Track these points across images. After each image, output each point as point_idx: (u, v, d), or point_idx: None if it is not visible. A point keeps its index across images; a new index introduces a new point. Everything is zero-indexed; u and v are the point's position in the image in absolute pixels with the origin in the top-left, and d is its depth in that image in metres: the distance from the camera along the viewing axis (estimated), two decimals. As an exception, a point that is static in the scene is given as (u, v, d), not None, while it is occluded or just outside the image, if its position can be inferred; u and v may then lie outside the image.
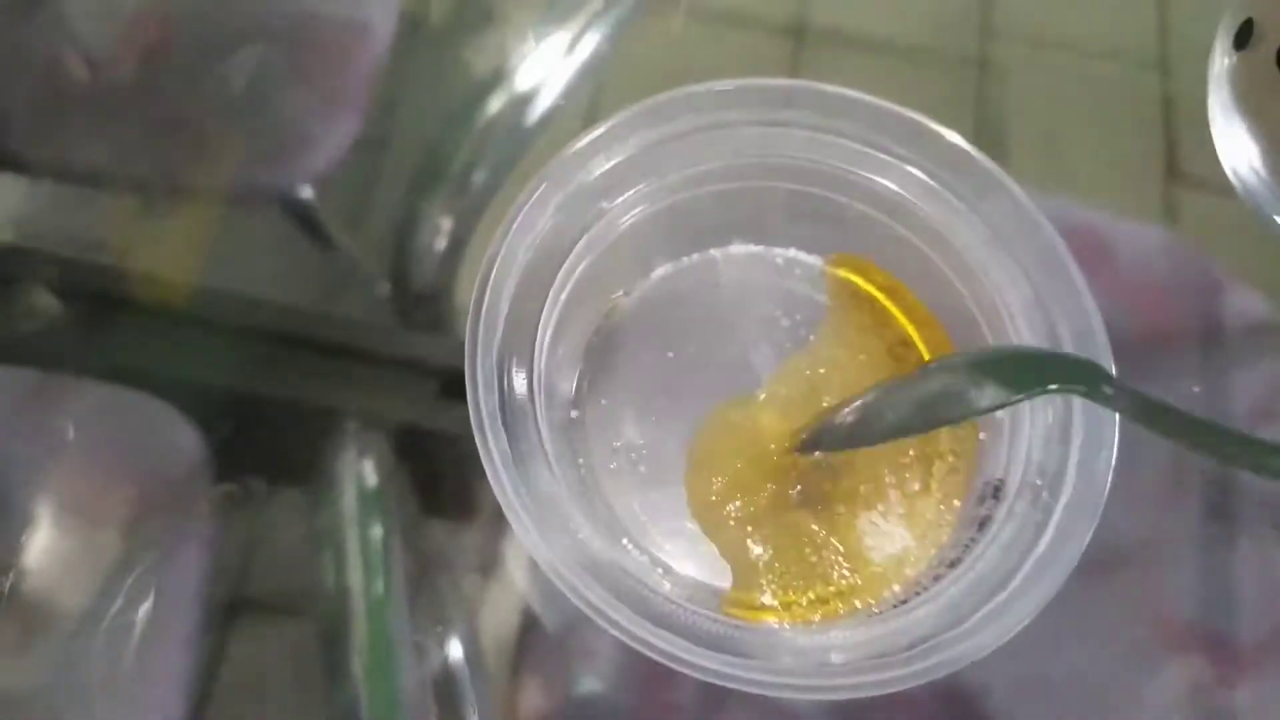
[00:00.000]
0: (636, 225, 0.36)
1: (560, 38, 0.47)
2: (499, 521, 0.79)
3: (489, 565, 0.78)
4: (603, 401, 0.37)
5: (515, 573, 0.73)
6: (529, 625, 0.47)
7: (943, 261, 0.37)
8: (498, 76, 0.46)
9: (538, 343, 0.33)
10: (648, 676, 0.41)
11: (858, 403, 0.34)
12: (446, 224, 0.46)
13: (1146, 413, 0.32)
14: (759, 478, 0.36)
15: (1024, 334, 0.35)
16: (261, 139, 0.52)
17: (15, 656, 0.44)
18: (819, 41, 1.08)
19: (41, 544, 0.45)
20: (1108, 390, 0.31)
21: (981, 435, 0.36)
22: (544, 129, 0.47)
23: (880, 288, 0.39)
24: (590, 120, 1.01)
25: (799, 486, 0.35)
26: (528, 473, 0.31)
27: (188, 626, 0.45)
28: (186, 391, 0.46)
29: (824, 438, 0.35)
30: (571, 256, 0.34)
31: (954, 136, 0.36)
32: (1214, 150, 1.03)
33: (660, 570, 0.35)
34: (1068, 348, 0.35)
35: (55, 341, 0.48)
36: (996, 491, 0.35)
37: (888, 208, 0.37)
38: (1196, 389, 0.50)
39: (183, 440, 0.46)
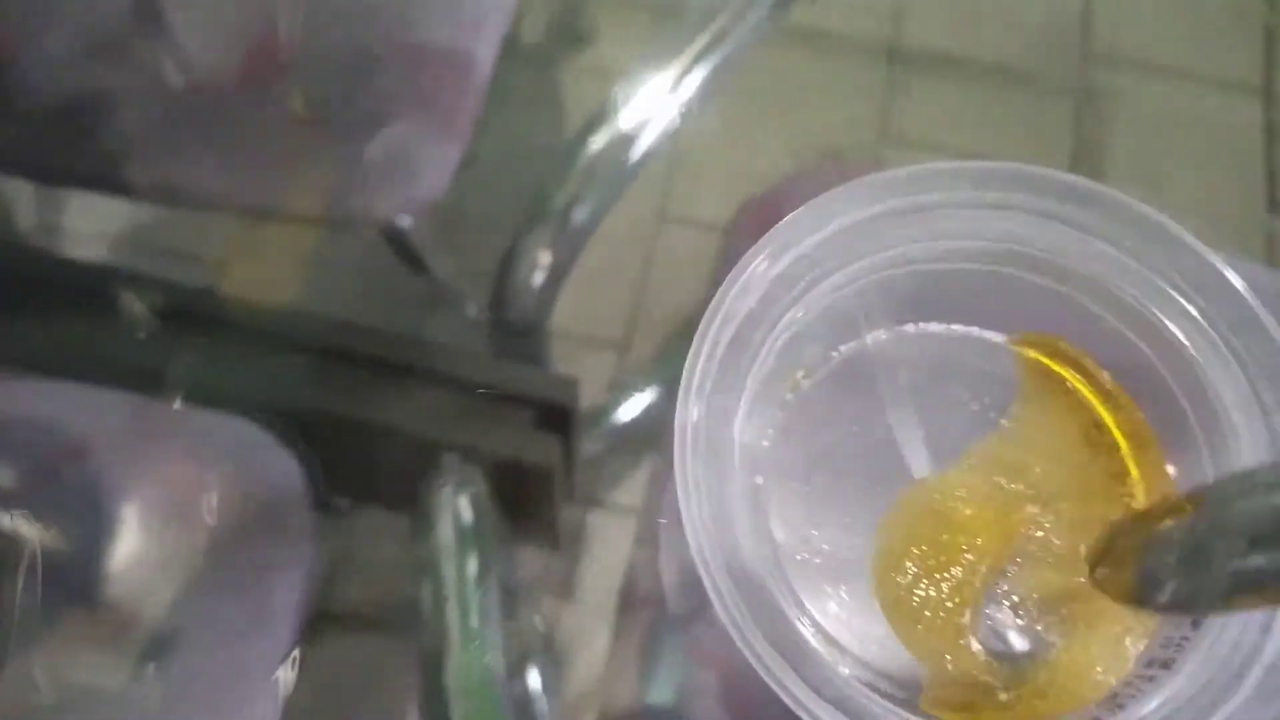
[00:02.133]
0: (834, 303, 0.36)
1: (665, 76, 0.47)
2: (577, 551, 0.79)
3: (569, 590, 0.79)
4: (790, 484, 0.37)
5: (596, 600, 0.73)
6: (612, 652, 0.47)
7: (1145, 344, 0.36)
8: (601, 114, 0.46)
9: (738, 415, 0.34)
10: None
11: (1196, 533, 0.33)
12: (546, 259, 0.47)
13: None
14: (950, 567, 0.35)
15: (1237, 423, 0.34)
16: (368, 168, 0.53)
17: (99, 653, 0.45)
18: (914, 63, 1.07)
19: (133, 546, 0.47)
20: None
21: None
22: (644, 166, 0.47)
23: (1071, 366, 0.38)
24: (677, 148, 1.00)
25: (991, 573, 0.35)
26: (725, 542, 0.31)
27: (280, 641, 0.46)
28: (287, 416, 0.47)
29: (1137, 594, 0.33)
30: (779, 328, 0.35)
31: (1160, 216, 0.35)
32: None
33: (854, 661, 0.34)
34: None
35: (156, 363, 0.49)
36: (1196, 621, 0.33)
37: (1085, 288, 0.37)
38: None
39: (283, 467, 0.47)
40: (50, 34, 0.57)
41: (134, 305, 0.50)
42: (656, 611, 0.41)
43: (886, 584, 0.34)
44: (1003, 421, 0.37)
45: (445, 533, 0.42)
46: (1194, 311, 0.34)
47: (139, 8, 0.58)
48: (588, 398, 0.74)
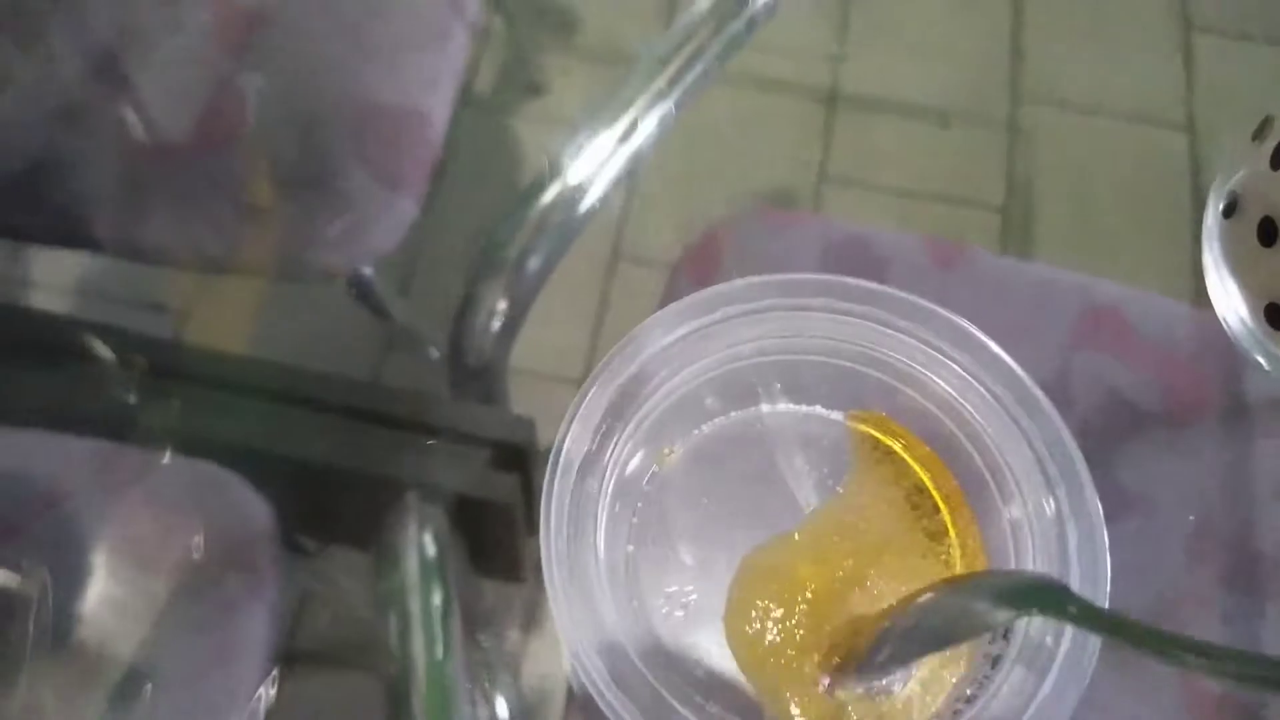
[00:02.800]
0: (684, 396, 0.41)
1: (614, 130, 0.50)
2: (540, 581, 0.81)
3: (532, 624, 0.81)
4: (654, 543, 0.41)
5: (558, 633, 0.75)
6: (572, 682, 0.49)
7: (950, 422, 0.42)
8: (553, 169, 0.49)
9: (602, 491, 0.38)
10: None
11: (886, 634, 0.38)
12: (502, 305, 0.49)
13: (1109, 627, 0.36)
14: (793, 620, 0.39)
15: (1024, 488, 0.40)
16: (325, 222, 0.56)
17: (66, 703, 0.46)
18: (852, 107, 1.11)
19: (103, 591, 0.48)
20: (1072, 610, 0.36)
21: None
22: (594, 216, 0.50)
23: (896, 439, 0.43)
24: (631, 189, 1.04)
25: (824, 620, 0.39)
26: (590, 608, 0.35)
27: (248, 682, 0.47)
28: (253, 460, 0.49)
29: (861, 672, 0.38)
30: (636, 417, 0.39)
31: (957, 318, 0.42)
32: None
33: (703, 704, 0.38)
34: (1064, 502, 0.39)
35: (123, 411, 0.51)
36: (1006, 632, 0.38)
37: (902, 378, 0.43)
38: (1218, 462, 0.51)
39: (251, 508, 0.48)
40: (7, 98, 0.59)
41: (100, 355, 0.52)
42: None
43: (737, 634, 0.39)
44: (839, 489, 0.42)
45: (409, 568, 0.44)
46: (988, 395, 0.41)
47: (102, 70, 0.60)
48: (549, 433, 0.76)
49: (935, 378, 0.42)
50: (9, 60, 0.60)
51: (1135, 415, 0.52)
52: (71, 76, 0.60)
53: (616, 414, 0.39)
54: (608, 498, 0.38)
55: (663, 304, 0.53)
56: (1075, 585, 0.37)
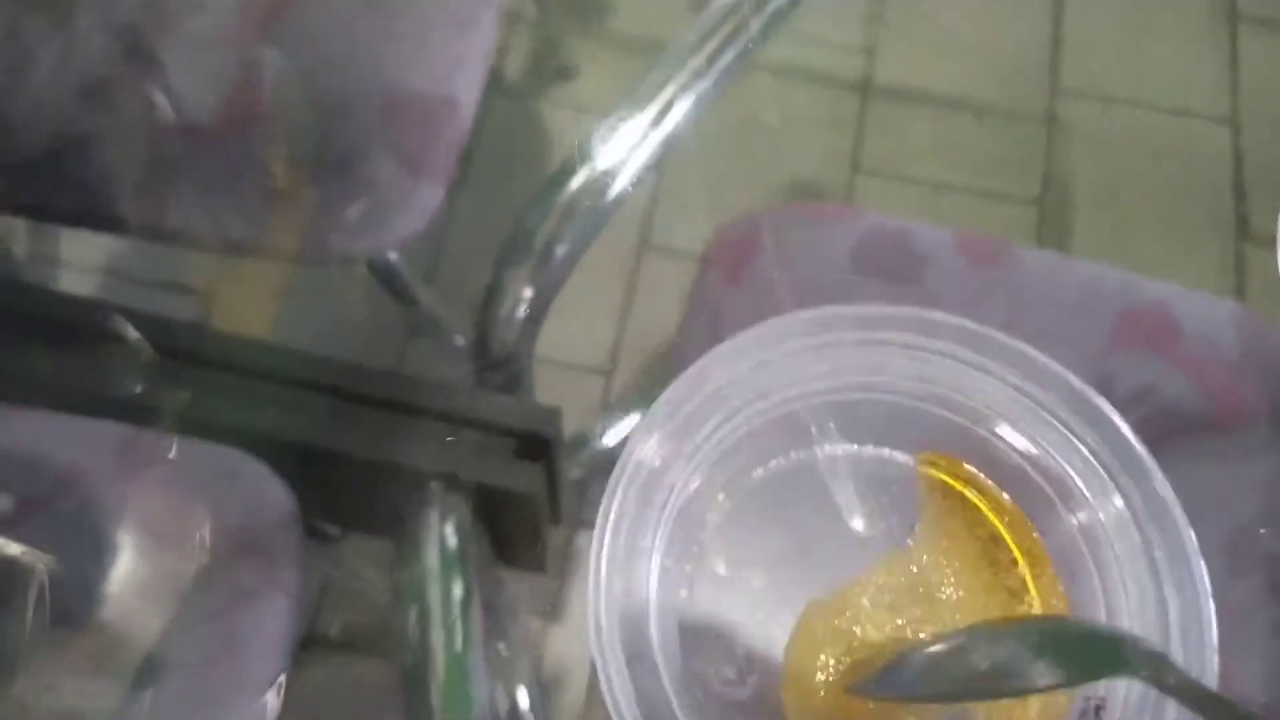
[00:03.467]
0: (744, 435, 0.39)
1: (644, 116, 0.48)
2: (565, 573, 0.80)
3: (553, 615, 0.80)
4: (710, 605, 0.38)
5: (580, 625, 0.74)
6: (595, 673, 0.48)
7: (1034, 472, 0.39)
8: (581, 154, 0.48)
9: (654, 546, 0.36)
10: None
11: (917, 659, 0.35)
12: (528, 293, 0.48)
13: (1202, 703, 0.32)
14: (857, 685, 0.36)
15: (1119, 550, 0.37)
16: (352, 206, 0.55)
17: (86, 678, 0.46)
18: (884, 98, 1.09)
19: (127, 569, 0.48)
20: (1170, 680, 0.32)
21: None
22: (622, 203, 0.49)
23: (970, 486, 0.40)
24: (659, 178, 1.02)
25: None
26: (641, 683, 0.33)
27: (268, 667, 0.47)
28: (275, 447, 0.49)
29: (877, 688, 0.35)
30: (693, 451, 0.37)
31: (1046, 359, 0.38)
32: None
33: None
34: (1164, 567, 0.36)
35: (143, 395, 0.50)
36: (1099, 711, 0.35)
37: (978, 419, 0.39)
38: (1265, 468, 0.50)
39: (273, 494, 0.48)
40: (35, 76, 0.59)
41: (121, 339, 0.52)
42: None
43: (796, 701, 0.36)
44: (908, 540, 0.39)
45: (430, 559, 0.43)
46: (1077, 442, 0.37)
47: (132, 49, 0.60)
48: (574, 423, 0.76)
49: (1018, 421, 0.38)
50: (36, 39, 0.59)
51: (1177, 419, 0.51)
52: (97, 56, 0.59)
53: (679, 443, 0.37)
54: (657, 560, 0.36)
55: (692, 296, 0.52)
56: (1178, 657, 0.34)
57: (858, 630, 0.37)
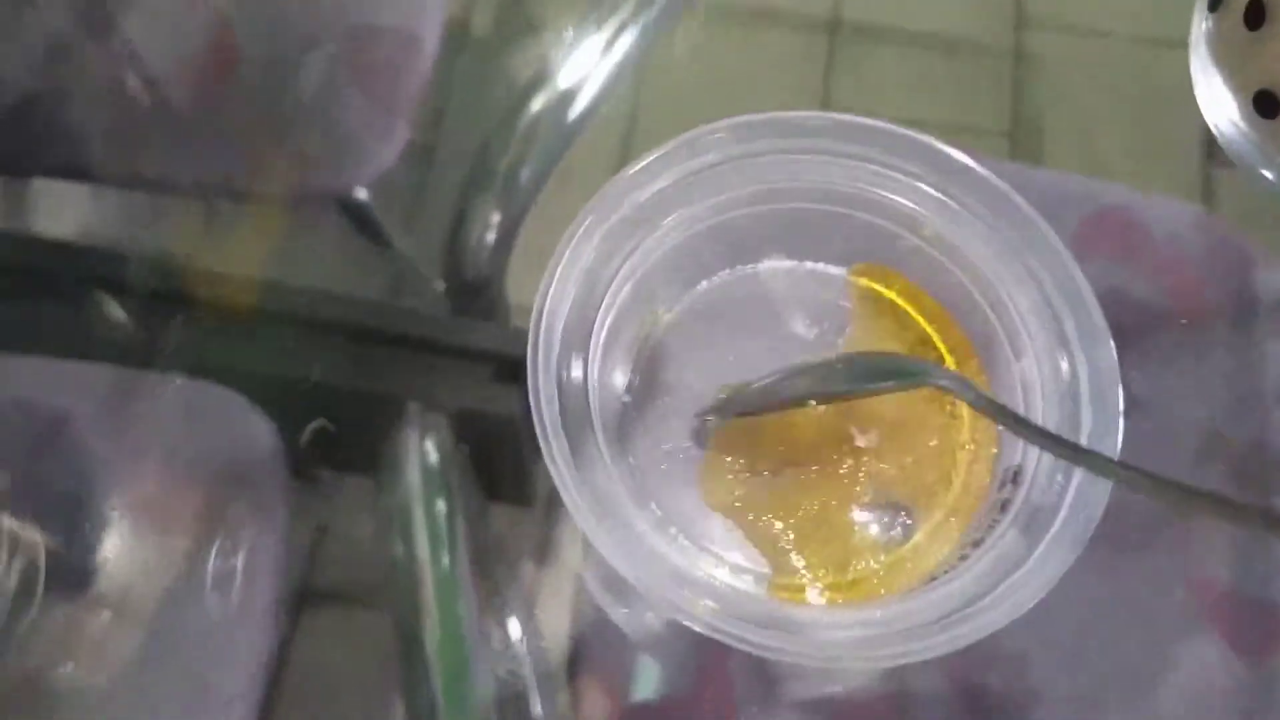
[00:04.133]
0: (677, 246, 0.39)
1: (597, 39, 0.49)
2: (553, 509, 0.81)
3: (544, 551, 0.81)
4: (650, 404, 0.40)
5: (570, 558, 0.75)
6: (585, 611, 0.49)
7: (955, 267, 0.40)
8: (540, 78, 0.48)
9: (591, 354, 0.37)
10: (701, 659, 0.43)
11: (764, 381, 0.38)
12: (496, 218, 0.49)
13: (997, 414, 0.35)
14: (771, 465, 0.38)
15: (1033, 330, 0.38)
16: (320, 146, 0.55)
17: (94, 651, 0.46)
18: (853, 37, 1.09)
19: (121, 537, 0.48)
20: (943, 382, 0.35)
21: (1000, 426, 0.38)
22: (585, 126, 0.49)
23: (900, 293, 0.41)
24: (631, 122, 1.03)
25: (815, 467, 0.38)
26: (587, 471, 0.34)
27: (262, 614, 0.47)
28: (257, 383, 0.49)
29: (728, 406, 0.38)
30: (619, 277, 0.38)
31: (960, 154, 0.39)
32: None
33: (709, 560, 0.37)
34: (1074, 341, 0.37)
35: (129, 339, 0.51)
36: (1016, 476, 0.37)
37: (905, 222, 0.40)
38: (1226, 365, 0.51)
39: (256, 430, 0.48)
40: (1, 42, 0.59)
41: (103, 280, 0.52)
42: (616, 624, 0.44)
43: (710, 483, 0.38)
44: (839, 342, 0.40)
45: (412, 476, 0.44)
46: (998, 241, 0.39)
47: (88, 16, 0.60)
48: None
49: (940, 221, 0.39)
50: (-1, 3, 0.60)
51: (1144, 318, 0.52)
52: (57, 19, 0.59)
53: (601, 268, 0.37)
54: (598, 361, 0.37)
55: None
56: (1084, 440, 0.36)
57: (775, 426, 0.39)
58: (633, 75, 0.50)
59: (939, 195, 0.39)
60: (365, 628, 0.80)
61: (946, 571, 0.36)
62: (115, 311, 0.51)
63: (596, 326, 0.37)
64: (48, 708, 0.45)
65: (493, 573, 0.53)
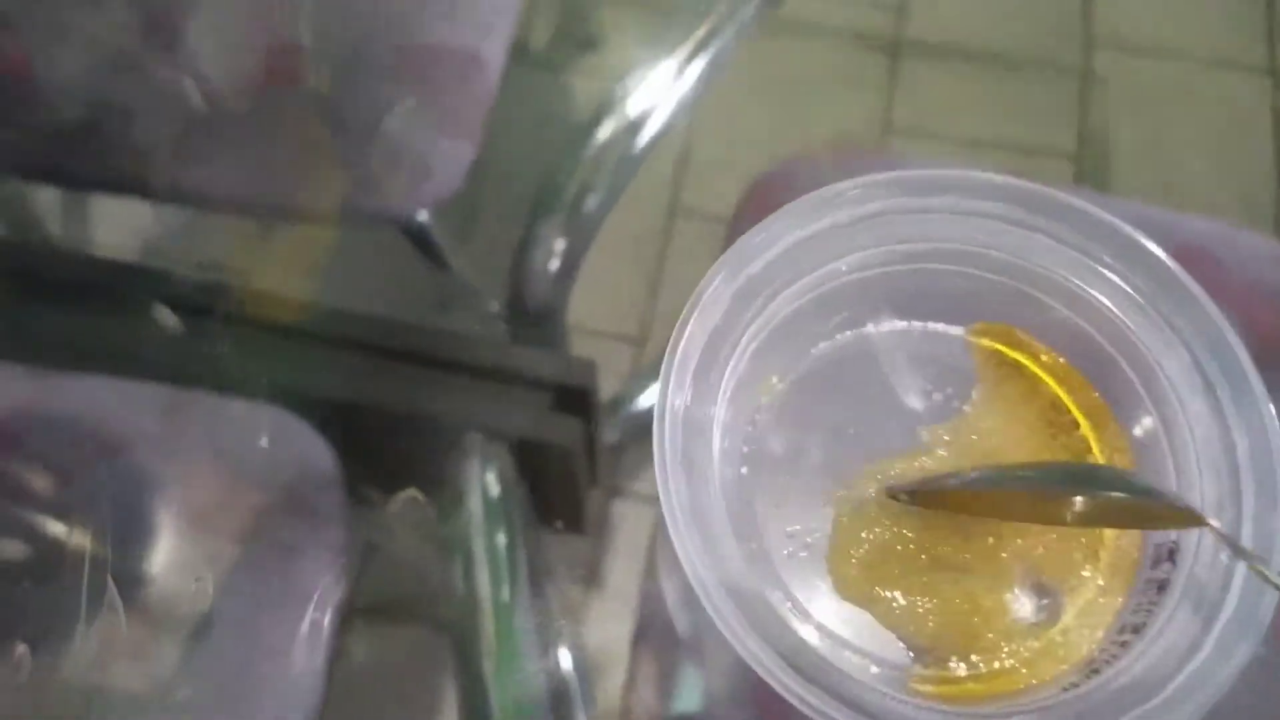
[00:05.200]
0: (793, 311, 0.38)
1: (669, 64, 0.48)
2: (604, 534, 0.80)
3: (595, 577, 0.80)
4: (770, 481, 0.38)
5: (621, 586, 0.74)
6: (639, 636, 0.48)
7: (1090, 327, 0.38)
8: (608, 104, 0.47)
9: (713, 430, 0.35)
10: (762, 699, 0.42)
11: (949, 478, 0.36)
12: (560, 245, 0.48)
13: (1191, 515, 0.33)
14: (903, 549, 0.36)
15: (1184, 394, 0.36)
16: (383, 166, 0.55)
17: (135, 659, 0.46)
18: (915, 55, 1.08)
19: (169, 550, 0.48)
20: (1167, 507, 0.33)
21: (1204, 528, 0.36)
22: (651, 153, 0.48)
23: (1025, 352, 0.39)
24: (686, 146, 1.02)
25: (950, 552, 0.36)
26: (714, 559, 0.33)
27: (315, 632, 0.47)
28: (317, 405, 0.49)
29: (923, 490, 0.36)
30: (741, 344, 0.37)
31: (1091, 207, 0.37)
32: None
33: (849, 653, 0.35)
34: (1229, 407, 0.35)
35: (188, 358, 0.51)
36: (1171, 554, 0.34)
37: (1033, 280, 0.38)
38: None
39: (315, 453, 0.48)
40: (65, 51, 0.59)
41: (167, 300, 0.52)
42: (670, 633, 0.43)
43: (839, 567, 0.36)
44: (965, 408, 0.38)
45: (474, 507, 0.43)
46: (1134, 294, 0.36)
47: (152, 26, 0.60)
48: (608, 390, 0.75)
49: (1069, 278, 0.37)
50: (69, 12, 0.60)
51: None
52: (125, 29, 0.60)
53: (720, 342, 0.36)
54: (718, 434, 0.36)
55: (727, 246, 0.52)
56: (1250, 502, 0.33)
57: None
58: (700, 99, 0.50)
59: (1072, 251, 0.37)
60: (407, 642, 0.81)
61: (1108, 660, 0.34)
62: (174, 331, 0.51)
63: (720, 396, 0.36)
64: (101, 714, 0.45)
65: (547, 599, 0.53)
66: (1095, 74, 1.04)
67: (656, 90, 0.48)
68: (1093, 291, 0.37)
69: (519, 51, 0.85)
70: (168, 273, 0.51)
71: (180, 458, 0.49)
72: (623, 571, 0.75)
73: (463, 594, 0.42)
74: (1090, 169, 0.99)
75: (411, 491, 0.57)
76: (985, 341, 0.39)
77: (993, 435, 0.38)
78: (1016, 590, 0.35)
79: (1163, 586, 0.33)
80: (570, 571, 0.75)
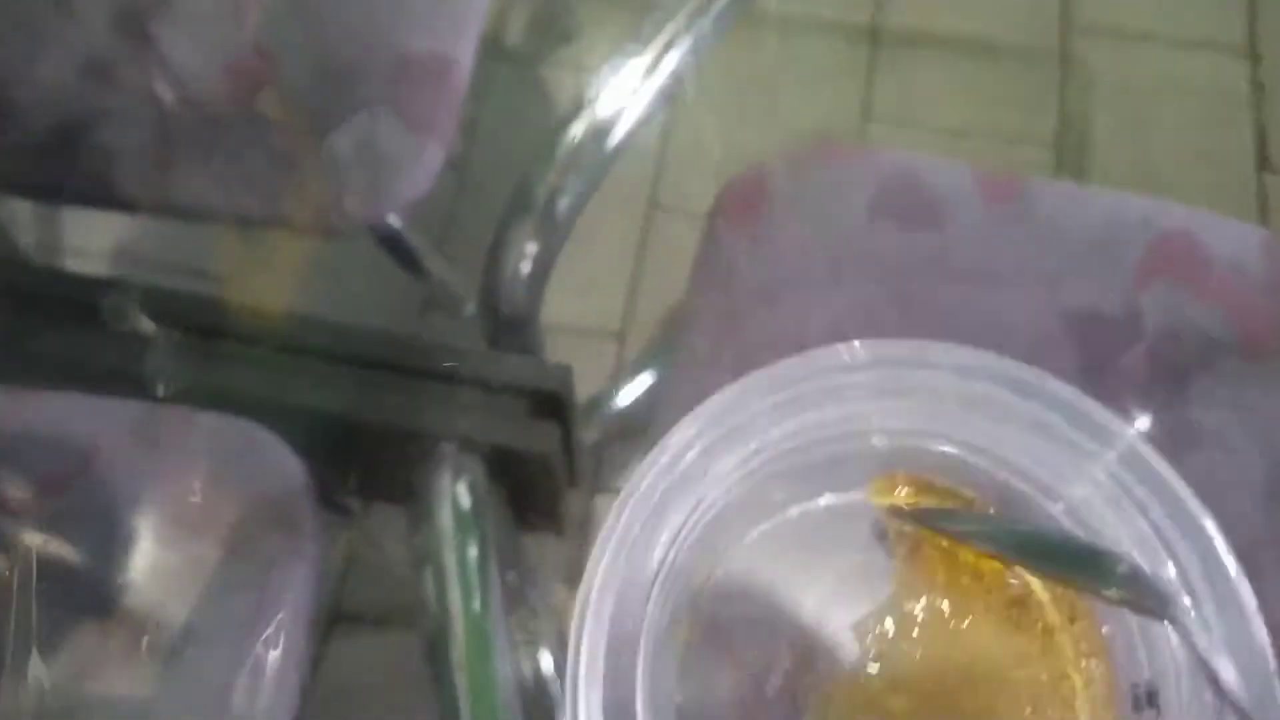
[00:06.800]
0: (770, 475, 0.38)
1: (642, 60, 0.47)
2: (585, 539, 0.79)
3: (575, 578, 0.80)
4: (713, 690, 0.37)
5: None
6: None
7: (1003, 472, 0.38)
8: (581, 101, 0.47)
9: (644, 635, 0.35)
10: None
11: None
12: (532, 249, 0.47)
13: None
14: None
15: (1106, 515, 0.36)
16: (355, 171, 0.54)
17: (117, 667, 0.46)
18: (895, 43, 1.07)
19: (149, 558, 0.47)
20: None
21: (1105, 628, 0.35)
22: (628, 150, 0.48)
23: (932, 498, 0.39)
24: (665, 138, 1.01)
25: None
26: None
27: (293, 642, 0.47)
28: (287, 416, 0.48)
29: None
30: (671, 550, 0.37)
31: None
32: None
33: None
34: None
35: (161, 370, 0.50)
36: (1151, 698, 0.34)
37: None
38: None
39: (286, 465, 0.48)
40: (38, 57, 0.58)
41: (135, 313, 0.51)
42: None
43: None
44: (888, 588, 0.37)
45: (444, 520, 0.43)
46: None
47: (124, 28, 0.59)
48: (590, 388, 0.75)
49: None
50: (39, 23, 0.59)
51: (1208, 347, 0.50)
52: (97, 34, 0.59)
53: (644, 551, 0.36)
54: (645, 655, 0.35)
55: (703, 246, 0.51)
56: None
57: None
58: (673, 98, 0.49)
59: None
60: (391, 649, 0.80)
61: None
62: (146, 345, 0.50)
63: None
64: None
65: (526, 602, 0.52)
66: (1074, 60, 1.04)
67: (631, 86, 0.47)
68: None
69: (493, 48, 0.84)
70: (138, 284, 0.51)
71: (153, 472, 0.48)
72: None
73: (434, 606, 0.41)
74: (1070, 155, 0.99)
75: (385, 499, 0.56)
76: (881, 500, 0.39)
77: (926, 621, 0.37)
78: None
79: None
80: (552, 572, 0.74)
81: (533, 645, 0.53)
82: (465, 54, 0.57)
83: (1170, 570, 0.34)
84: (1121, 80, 1.03)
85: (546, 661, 0.54)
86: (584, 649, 0.33)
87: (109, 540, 0.47)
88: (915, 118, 1.01)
